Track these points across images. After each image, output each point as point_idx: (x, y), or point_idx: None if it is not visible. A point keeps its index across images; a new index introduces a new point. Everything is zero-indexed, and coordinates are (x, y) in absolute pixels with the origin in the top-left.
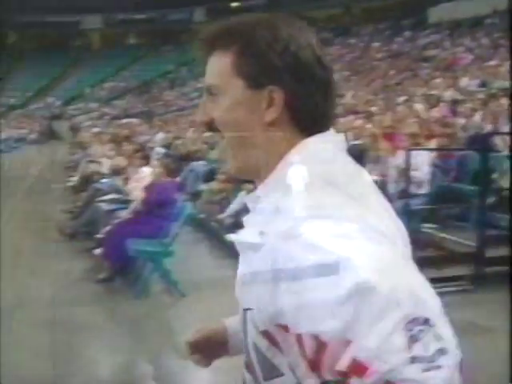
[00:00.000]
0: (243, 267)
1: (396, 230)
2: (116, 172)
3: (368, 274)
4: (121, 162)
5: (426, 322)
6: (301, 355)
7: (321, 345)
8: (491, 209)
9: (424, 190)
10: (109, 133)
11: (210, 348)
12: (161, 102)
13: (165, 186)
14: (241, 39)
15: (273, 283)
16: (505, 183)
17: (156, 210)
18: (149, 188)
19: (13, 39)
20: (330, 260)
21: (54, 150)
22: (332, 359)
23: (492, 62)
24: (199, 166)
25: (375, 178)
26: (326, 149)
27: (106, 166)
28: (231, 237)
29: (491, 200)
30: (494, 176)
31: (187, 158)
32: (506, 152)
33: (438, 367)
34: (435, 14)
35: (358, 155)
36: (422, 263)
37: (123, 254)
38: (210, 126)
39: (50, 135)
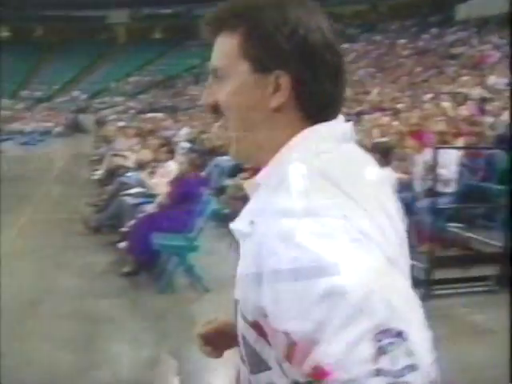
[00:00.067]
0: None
1: (391, 232)
2: (141, 166)
3: (343, 278)
4: (146, 155)
5: (399, 335)
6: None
7: (291, 343)
8: None
9: (451, 189)
10: (134, 127)
11: (221, 339)
12: (186, 97)
13: (190, 180)
14: (248, 21)
15: (256, 275)
16: None
17: (181, 205)
18: (174, 182)
19: (40, 33)
20: (308, 259)
21: (79, 143)
22: (301, 359)
23: None
24: (224, 161)
25: (401, 175)
26: (327, 139)
27: (131, 159)
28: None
29: None
30: None
31: (212, 152)
32: None
33: (405, 383)
34: (463, 10)
35: (385, 152)
36: (447, 263)
37: (148, 248)
38: (215, 109)
39: (75, 128)
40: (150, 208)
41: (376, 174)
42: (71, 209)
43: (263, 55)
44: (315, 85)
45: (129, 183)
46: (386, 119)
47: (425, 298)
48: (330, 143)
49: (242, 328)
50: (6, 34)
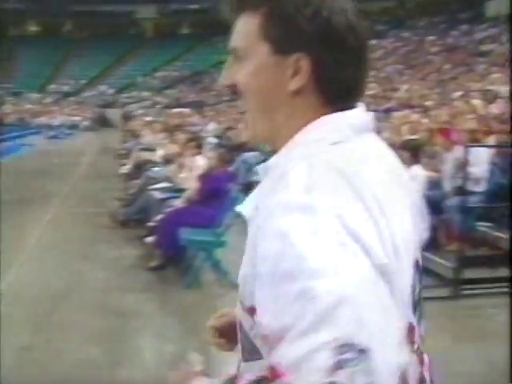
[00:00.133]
0: None
1: (397, 233)
2: (168, 161)
3: (318, 283)
4: (174, 150)
5: (362, 352)
6: None
7: (264, 335)
8: None
9: (481, 188)
10: (160, 122)
11: (234, 333)
12: (212, 92)
13: (219, 176)
14: (270, 1)
15: (251, 259)
16: None
17: (210, 200)
18: (203, 178)
19: (68, 28)
20: (291, 256)
21: (106, 137)
22: (268, 353)
23: None
24: (251, 156)
25: (431, 173)
26: (343, 129)
27: (158, 154)
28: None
29: None
30: None
31: (239, 148)
32: None
33: None
34: (493, 7)
35: (414, 150)
36: (476, 262)
37: (175, 242)
38: (233, 89)
39: (102, 123)
40: (178, 203)
41: (391, 170)
42: (98, 203)
43: (284, 36)
44: (336, 69)
45: (156, 177)
46: (415, 116)
47: (453, 297)
48: (346, 134)
49: (240, 314)
50: (34, 28)
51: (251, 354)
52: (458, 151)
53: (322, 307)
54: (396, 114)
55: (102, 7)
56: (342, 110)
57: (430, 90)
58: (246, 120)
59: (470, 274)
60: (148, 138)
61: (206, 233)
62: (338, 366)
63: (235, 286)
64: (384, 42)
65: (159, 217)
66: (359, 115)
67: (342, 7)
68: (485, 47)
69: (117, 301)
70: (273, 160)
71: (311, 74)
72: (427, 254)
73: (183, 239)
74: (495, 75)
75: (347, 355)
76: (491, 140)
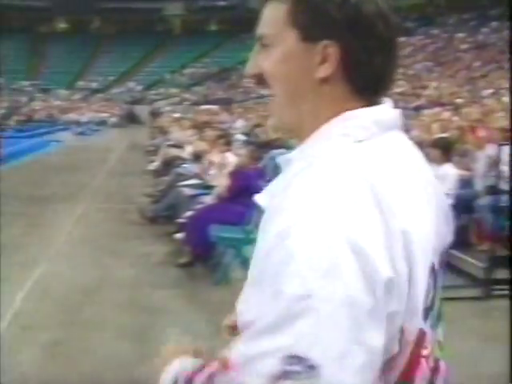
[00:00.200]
0: None
1: (404, 242)
2: (197, 157)
3: (292, 288)
4: (202, 147)
5: (312, 368)
6: None
7: (240, 322)
8: None
9: None
10: (189, 118)
11: None
12: (240, 89)
13: (249, 173)
14: None
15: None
16: None
17: (239, 197)
18: (234, 175)
19: (97, 25)
20: (281, 255)
21: (134, 133)
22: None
23: None
24: (279, 154)
25: (462, 172)
26: (368, 127)
27: (186, 151)
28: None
29: None
30: None
31: (267, 145)
32: None
33: None
34: None
35: (445, 148)
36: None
37: (205, 239)
38: (260, 78)
39: (130, 119)
40: (208, 199)
41: (414, 171)
42: (127, 199)
43: (312, 23)
44: (365, 57)
45: (185, 174)
46: (446, 114)
47: (484, 297)
48: (371, 131)
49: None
50: (63, 25)
51: None
52: (490, 149)
53: (284, 312)
54: (426, 112)
55: (130, 4)
56: (369, 103)
57: (460, 88)
58: (272, 108)
59: (501, 274)
60: (176, 134)
61: (236, 230)
62: (283, 376)
63: None
64: (413, 39)
65: (188, 213)
66: (386, 112)
67: None
68: None
69: (146, 297)
70: (295, 153)
71: (339, 61)
72: (458, 254)
73: (212, 236)
74: None
75: (294, 367)
76: None
